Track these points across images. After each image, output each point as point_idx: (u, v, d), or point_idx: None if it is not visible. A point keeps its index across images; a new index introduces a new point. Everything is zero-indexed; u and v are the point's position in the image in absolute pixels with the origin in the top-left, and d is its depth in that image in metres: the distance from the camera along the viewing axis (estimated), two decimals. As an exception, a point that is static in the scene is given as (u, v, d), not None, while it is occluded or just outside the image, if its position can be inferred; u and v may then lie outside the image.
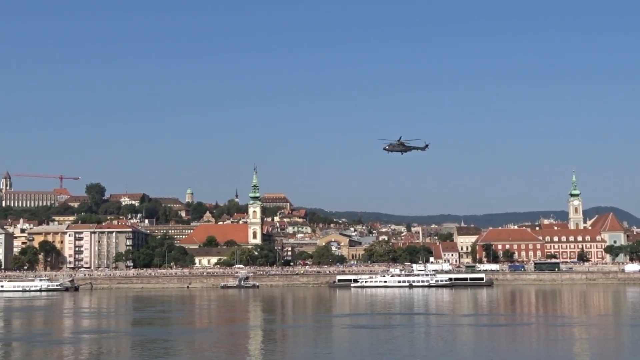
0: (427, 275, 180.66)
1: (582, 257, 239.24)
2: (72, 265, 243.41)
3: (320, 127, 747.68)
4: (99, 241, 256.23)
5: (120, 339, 71.60)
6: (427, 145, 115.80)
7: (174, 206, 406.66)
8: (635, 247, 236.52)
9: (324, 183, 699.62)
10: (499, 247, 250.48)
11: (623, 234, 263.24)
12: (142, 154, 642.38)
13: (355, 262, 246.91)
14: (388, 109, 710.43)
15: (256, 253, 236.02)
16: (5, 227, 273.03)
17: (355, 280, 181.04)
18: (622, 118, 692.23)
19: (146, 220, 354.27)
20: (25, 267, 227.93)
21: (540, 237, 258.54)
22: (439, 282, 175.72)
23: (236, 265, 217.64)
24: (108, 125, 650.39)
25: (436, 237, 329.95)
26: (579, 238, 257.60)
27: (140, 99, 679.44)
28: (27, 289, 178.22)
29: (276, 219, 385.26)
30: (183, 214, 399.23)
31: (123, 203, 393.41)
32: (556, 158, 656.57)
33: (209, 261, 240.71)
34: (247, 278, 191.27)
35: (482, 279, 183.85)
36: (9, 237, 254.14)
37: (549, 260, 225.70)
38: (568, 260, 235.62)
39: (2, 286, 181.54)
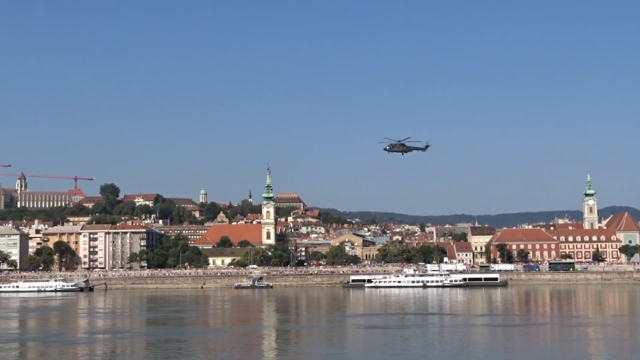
0: (441, 275, 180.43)
1: (597, 257, 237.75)
2: (86, 266, 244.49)
3: (333, 127, 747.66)
4: (113, 242, 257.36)
5: (135, 339, 71.88)
6: (427, 146, 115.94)
7: (187, 206, 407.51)
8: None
9: (337, 183, 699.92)
10: (514, 247, 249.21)
11: (638, 234, 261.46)
12: (155, 154, 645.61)
13: (369, 262, 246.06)
14: (397, 109, 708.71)
15: (270, 253, 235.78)
16: (20, 227, 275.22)
17: (369, 281, 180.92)
18: (637, 117, 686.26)
19: (160, 221, 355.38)
20: (40, 268, 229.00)
21: (555, 237, 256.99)
22: (453, 282, 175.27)
23: (250, 266, 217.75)
24: (122, 125, 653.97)
25: (450, 237, 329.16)
26: (594, 238, 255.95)
27: (155, 100, 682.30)
28: (42, 289, 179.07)
29: (290, 219, 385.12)
30: (197, 214, 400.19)
31: (137, 204, 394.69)
32: (571, 158, 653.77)
33: (222, 261, 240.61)
34: (261, 278, 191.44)
35: (496, 279, 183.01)
36: (24, 238, 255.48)
37: (563, 260, 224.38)
38: (583, 260, 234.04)
39: (17, 286, 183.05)
